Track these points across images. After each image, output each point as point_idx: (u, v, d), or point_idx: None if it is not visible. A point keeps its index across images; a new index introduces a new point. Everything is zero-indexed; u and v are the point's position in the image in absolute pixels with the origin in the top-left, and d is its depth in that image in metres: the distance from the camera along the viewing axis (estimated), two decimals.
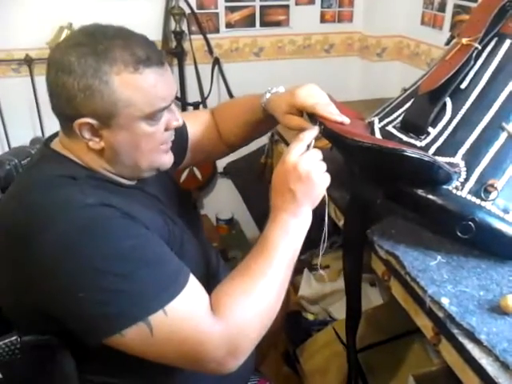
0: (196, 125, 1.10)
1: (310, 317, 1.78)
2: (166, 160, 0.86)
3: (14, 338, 0.74)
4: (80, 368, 0.79)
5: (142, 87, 0.74)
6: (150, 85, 0.75)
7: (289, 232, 0.80)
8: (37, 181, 0.77)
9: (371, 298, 1.71)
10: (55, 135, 0.85)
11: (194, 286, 0.74)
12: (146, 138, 0.78)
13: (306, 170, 0.79)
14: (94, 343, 0.70)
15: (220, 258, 1.09)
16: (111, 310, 0.68)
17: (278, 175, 0.82)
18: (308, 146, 0.84)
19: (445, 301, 0.76)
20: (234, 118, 1.09)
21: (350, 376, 1.18)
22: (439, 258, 0.86)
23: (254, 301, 0.75)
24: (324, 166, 0.83)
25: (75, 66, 0.72)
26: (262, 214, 2.12)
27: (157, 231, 0.78)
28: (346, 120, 0.87)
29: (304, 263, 1.88)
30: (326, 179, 0.82)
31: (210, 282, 0.78)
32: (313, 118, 0.89)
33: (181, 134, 1.04)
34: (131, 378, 0.84)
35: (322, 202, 0.85)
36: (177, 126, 0.84)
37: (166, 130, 0.82)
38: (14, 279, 0.74)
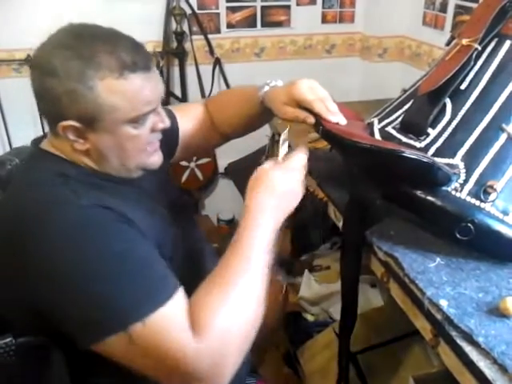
0: (187, 119, 1.09)
1: (310, 318, 1.77)
2: (154, 160, 0.86)
3: (8, 339, 0.73)
4: (74, 369, 0.79)
5: (127, 93, 0.74)
6: (135, 90, 0.75)
7: (267, 237, 0.77)
8: (29, 181, 0.77)
9: (372, 299, 1.71)
10: (44, 136, 0.86)
11: (177, 299, 0.71)
12: (130, 140, 0.79)
13: (303, 188, 0.83)
14: (82, 348, 0.69)
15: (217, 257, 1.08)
16: (93, 316, 0.67)
17: (278, 176, 0.81)
18: (283, 142, 0.87)
19: (443, 303, 0.75)
20: (230, 108, 1.08)
21: (341, 377, 1.17)
22: (438, 259, 0.85)
23: (232, 312, 0.71)
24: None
25: (60, 70, 0.72)
26: None
27: (149, 233, 0.77)
28: (342, 121, 0.86)
29: (304, 264, 1.88)
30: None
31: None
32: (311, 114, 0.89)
33: (171, 129, 1.04)
34: (125, 380, 0.83)
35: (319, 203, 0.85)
36: (163, 127, 0.84)
37: (152, 131, 0.82)
38: (7, 279, 0.74)
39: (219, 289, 0.72)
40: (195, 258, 0.95)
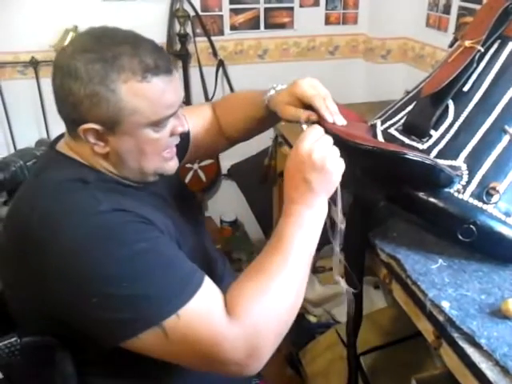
0: (197, 121, 1.09)
1: (313, 319, 1.78)
2: (171, 166, 0.86)
3: (13, 339, 0.74)
4: (81, 370, 0.79)
5: (149, 96, 0.74)
6: (157, 94, 0.75)
7: (304, 225, 0.76)
8: (47, 185, 0.77)
9: (375, 300, 1.71)
10: (60, 137, 0.86)
11: (208, 288, 0.73)
12: (150, 143, 0.79)
13: (321, 158, 0.76)
14: (110, 346, 0.70)
15: (226, 260, 1.08)
16: (124, 315, 0.68)
17: (291, 165, 0.79)
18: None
19: (445, 304, 0.75)
20: (236, 112, 1.08)
21: (350, 378, 1.17)
22: (440, 261, 0.85)
23: (270, 300, 0.72)
24: (337, 151, 0.80)
25: (82, 72, 0.71)
26: (265, 215, 2.13)
27: (169, 235, 0.78)
28: (339, 121, 0.85)
29: None
30: (340, 165, 0.79)
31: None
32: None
33: (184, 137, 1.04)
34: (133, 380, 0.84)
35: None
36: (182, 131, 0.84)
37: (172, 135, 0.82)
38: (27, 285, 0.74)
39: (258, 277, 0.74)
40: (207, 261, 0.96)
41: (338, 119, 0.85)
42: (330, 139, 0.80)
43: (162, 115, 0.77)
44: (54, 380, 0.78)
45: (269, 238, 0.79)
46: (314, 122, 0.86)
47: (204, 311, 0.70)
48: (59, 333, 0.75)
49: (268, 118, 1.01)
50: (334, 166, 0.78)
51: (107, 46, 0.73)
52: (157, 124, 0.77)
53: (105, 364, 0.80)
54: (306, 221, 0.77)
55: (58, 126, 0.83)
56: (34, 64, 1.95)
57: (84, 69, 0.71)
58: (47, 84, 2.07)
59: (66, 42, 1.90)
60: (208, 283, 0.73)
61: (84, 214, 0.71)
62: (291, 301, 0.75)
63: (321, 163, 0.76)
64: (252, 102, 1.03)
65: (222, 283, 0.79)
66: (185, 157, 1.09)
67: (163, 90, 0.75)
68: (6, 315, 0.81)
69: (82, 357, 0.78)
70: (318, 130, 0.81)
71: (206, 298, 0.71)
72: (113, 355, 0.73)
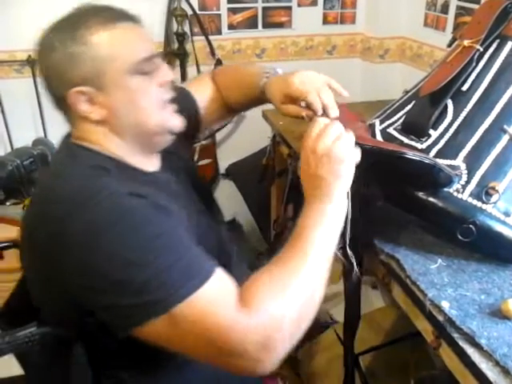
0: (203, 95, 1.10)
1: None
2: (176, 122, 0.85)
3: (33, 328, 0.74)
4: (99, 361, 0.79)
5: (121, 40, 0.77)
6: (128, 36, 0.78)
7: (325, 219, 0.75)
8: (71, 173, 0.76)
9: (373, 300, 1.71)
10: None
11: (220, 276, 0.71)
12: (141, 93, 0.79)
13: (326, 149, 0.76)
14: (122, 335, 0.69)
15: (239, 253, 1.08)
16: (131, 301, 0.66)
17: (301, 165, 0.80)
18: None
19: (445, 304, 0.75)
20: (235, 86, 1.10)
21: (347, 379, 1.17)
22: (440, 261, 0.85)
23: (287, 296, 0.70)
24: (349, 138, 0.78)
25: (55, 42, 0.76)
26: (263, 215, 2.12)
27: (183, 225, 0.77)
28: (333, 114, 0.85)
29: None
30: (351, 152, 0.77)
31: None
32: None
33: (191, 107, 1.05)
34: (143, 373, 0.83)
35: None
36: (169, 80, 0.84)
37: (161, 86, 0.82)
38: (47, 272, 0.74)
39: (276, 272, 0.72)
40: (222, 253, 0.94)
41: (332, 112, 0.85)
42: (336, 129, 0.79)
43: (139, 56, 0.78)
44: (70, 370, 0.78)
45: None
46: None
47: (214, 298, 0.68)
48: (79, 324, 0.75)
49: (264, 98, 1.01)
50: (342, 153, 0.76)
51: (72, 17, 0.79)
52: (138, 69, 0.78)
53: (118, 357, 0.80)
54: (328, 215, 0.76)
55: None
56: (31, 63, 1.94)
57: (56, 38, 0.76)
58: None
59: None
60: (220, 272, 0.71)
61: (102, 196, 0.71)
62: (310, 298, 0.72)
63: (326, 154, 0.76)
64: (249, 83, 1.05)
65: (235, 277, 0.77)
66: (200, 134, 1.11)
67: (132, 33, 0.79)
68: (28, 304, 0.80)
69: (99, 348, 0.78)
70: (318, 123, 0.80)
71: (218, 286, 0.70)
72: (129, 348, 0.73)
